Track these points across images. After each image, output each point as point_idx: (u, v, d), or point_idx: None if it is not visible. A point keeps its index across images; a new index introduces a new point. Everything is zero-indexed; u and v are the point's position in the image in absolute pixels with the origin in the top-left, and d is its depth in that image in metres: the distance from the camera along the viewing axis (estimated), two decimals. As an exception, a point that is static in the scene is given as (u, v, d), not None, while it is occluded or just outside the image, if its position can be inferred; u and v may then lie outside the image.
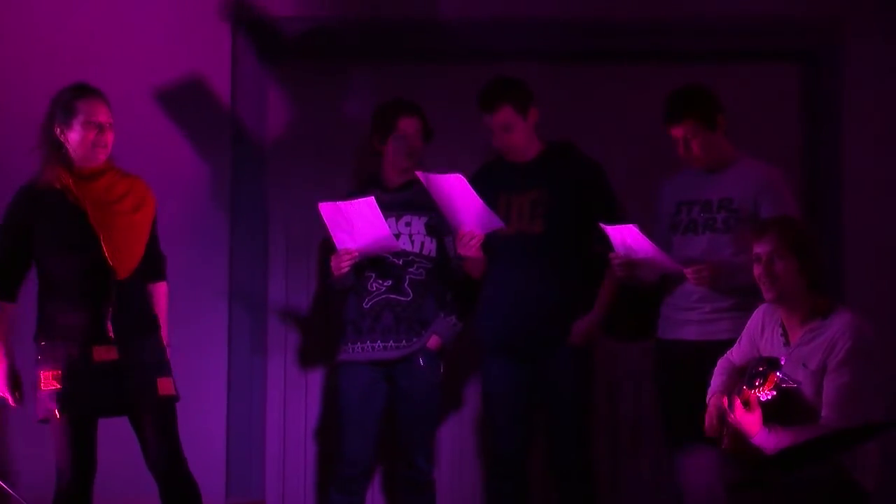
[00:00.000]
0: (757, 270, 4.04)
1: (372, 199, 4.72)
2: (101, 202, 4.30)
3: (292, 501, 5.49)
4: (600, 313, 4.88)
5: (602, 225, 4.60)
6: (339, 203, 4.76)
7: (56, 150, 4.32)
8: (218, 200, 5.31)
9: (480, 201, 4.64)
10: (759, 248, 4.03)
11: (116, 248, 4.27)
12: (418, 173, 4.72)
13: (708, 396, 4.16)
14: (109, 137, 4.35)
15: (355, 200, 4.74)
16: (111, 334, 4.24)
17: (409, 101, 5.04)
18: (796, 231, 4.03)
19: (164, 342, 4.43)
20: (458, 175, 4.61)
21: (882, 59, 5.31)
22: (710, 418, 4.08)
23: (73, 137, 4.31)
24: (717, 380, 4.21)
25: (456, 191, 4.65)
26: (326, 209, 4.78)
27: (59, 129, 4.31)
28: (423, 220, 4.98)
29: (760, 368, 3.84)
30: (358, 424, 4.95)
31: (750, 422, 3.82)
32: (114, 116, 4.35)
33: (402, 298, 4.93)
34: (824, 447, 3.63)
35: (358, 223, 4.76)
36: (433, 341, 4.92)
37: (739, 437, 3.90)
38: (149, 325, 4.37)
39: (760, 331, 4.14)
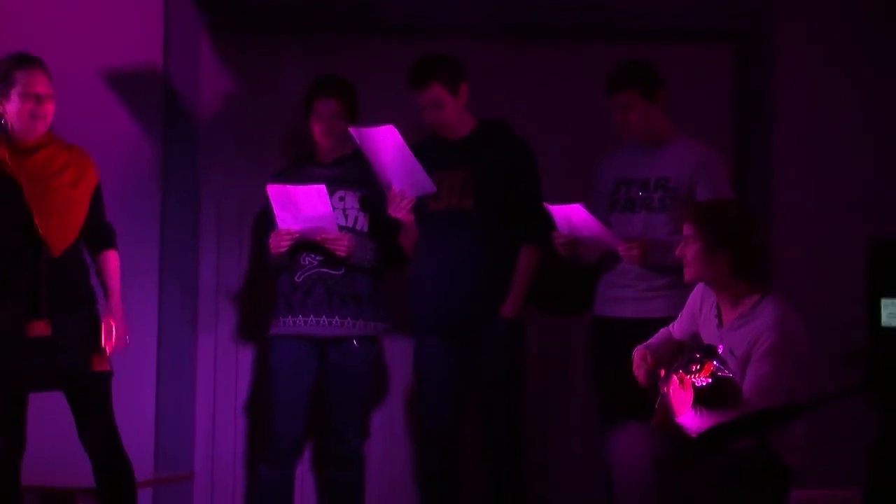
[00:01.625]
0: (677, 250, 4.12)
1: (322, 186, 4.72)
2: (37, 176, 4.25)
3: (221, 475, 5.46)
4: (519, 290, 4.89)
5: (546, 204, 4.64)
6: (289, 186, 4.75)
7: None
8: (149, 173, 5.26)
9: (412, 156, 4.67)
10: (684, 230, 4.09)
11: (50, 224, 4.22)
12: (351, 129, 4.73)
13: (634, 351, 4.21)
14: (48, 108, 4.29)
15: (306, 186, 4.73)
16: (44, 310, 4.20)
17: (333, 80, 5.00)
18: (715, 217, 4.06)
19: (116, 310, 4.38)
20: (389, 126, 4.63)
21: (813, 39, 5.37)
22: (636, 367, 4.14)
23: (11, 108, 4.25)
24: (650, 340, 4.26)
25: (388, 144, 4.66)
26: (274, 191, 4.76)
27: (2, 101, 4.25)
28: (358, 195, 4.97)
29: (697, 355, 3.88)
30: (288, 398, 4.93)
31: (681, 400, 3.85)
32: (53, 86, 4.30)
33: (335, 272, 4.91)
34: (745, 427, 3.66)
35: (304, 207, 4.75)
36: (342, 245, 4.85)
37: (669, 412, 3.94)
38: (83, 300, 4.33)
39: (699, 307, 4.20)
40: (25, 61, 4.29)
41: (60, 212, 4.26)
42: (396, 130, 4.63)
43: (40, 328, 4.20)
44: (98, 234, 4.43)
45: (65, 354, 4.22)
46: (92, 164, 4.39)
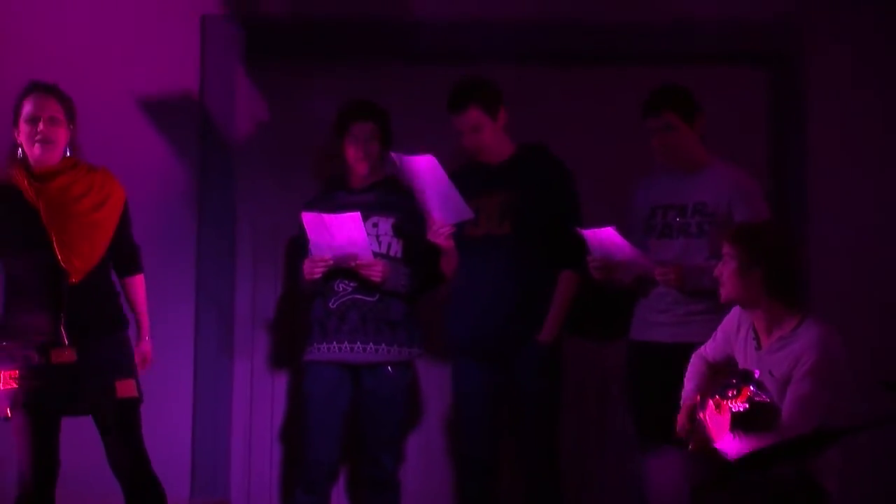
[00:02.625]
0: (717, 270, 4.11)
1: (357, 214, 4.73)
2: (55, 203, 4.24)
3: (257, 501, 5.47)
4: (558, 314, 4.88)
5: (579, 229, 4.63)
6: (324, 215, 4.76)
7: (15, 150, 4.29)
8: (185, 199, 5.29)
9: (451, 185, 4.67)
10: (724, 250, 4.09)
11: (70, 251, 4.22)
12: (392, 154, 4.73)
13: (682, 398, 4.18)
14: (56, 133, 4.27)
15: (341, 214, 4.75)
16: (65, 338, 4.20)
17: (368, 104, 5.02)
18: (751, 236, 4.07)
19: (145, 336, 4.47)
20: (430, 156, 4.63)
21: (847, 62, 5.37)
22: (682, 419, 4.10)
23: (22, 137, 4.28)
24: (690, 384, 4.24)
25: (427, 173, 4.67)
26: (309, 219, 4.78)
27: (15, 131, 4.29)
28: (391, 221, 4.98)
29: (734, 381, 3.86)
30: (323, 424, 4.93)
31: (718, 424, 3.83)
32: (69, 112, 4.30)
33: (369, 298, 4.91)
34: (785, 452, 3.64)
35: (339, 235, 4.76)
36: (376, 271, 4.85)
37: (706, 437, 3.92)
38: (110, 325, 4.32)
39: (736, 330, 4.18)
40: (33, 88, 4.30)
41: (80, 238, 4.24)
42: (436, 160, 4.64)
43: (65, 355, 4.21)
44: (124, 257, 4.43)
45: (90, 380, 4.23)
46: (117, 186, 4.37)
